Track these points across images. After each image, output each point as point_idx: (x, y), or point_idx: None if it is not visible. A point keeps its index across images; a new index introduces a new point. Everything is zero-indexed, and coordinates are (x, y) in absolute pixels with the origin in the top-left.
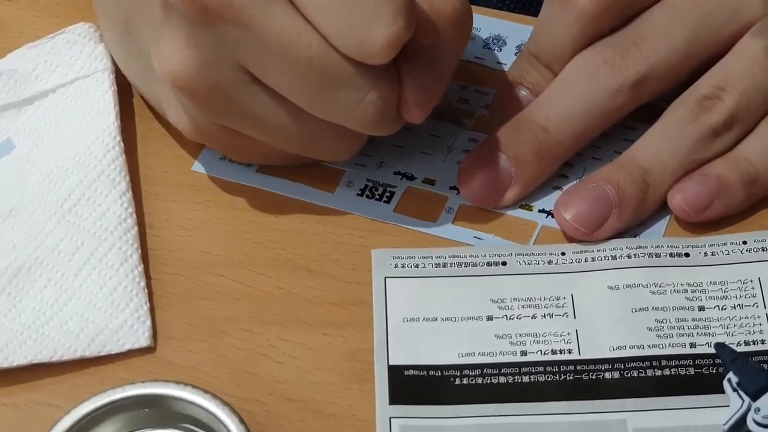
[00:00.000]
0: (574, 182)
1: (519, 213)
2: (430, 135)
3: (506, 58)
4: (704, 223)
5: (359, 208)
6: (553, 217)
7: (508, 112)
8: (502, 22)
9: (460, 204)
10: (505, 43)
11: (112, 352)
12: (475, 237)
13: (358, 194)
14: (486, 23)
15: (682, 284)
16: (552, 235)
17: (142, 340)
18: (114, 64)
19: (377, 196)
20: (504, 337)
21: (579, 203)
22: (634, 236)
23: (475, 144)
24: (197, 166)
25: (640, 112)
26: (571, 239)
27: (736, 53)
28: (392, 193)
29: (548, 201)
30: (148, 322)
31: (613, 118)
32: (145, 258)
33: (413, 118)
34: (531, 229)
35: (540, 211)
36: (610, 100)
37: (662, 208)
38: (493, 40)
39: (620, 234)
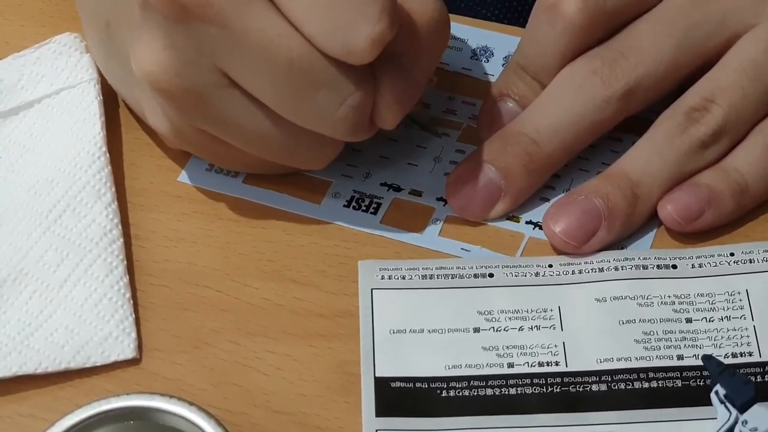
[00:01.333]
0: (562, 194)
1: (506, 224)
2: (416, 146)
3: (493, 69)
4: (693, 233)
5: (346, 220)
6: (540, 228)
7: (494, 124)
8: (490, 33)
9: (447, 215)
10: (492, 54)
11: (98, 364)
12: (462, 249)
13: (344, 205)
14: (473, 34)
15: (669, 296)
16: (539, 247)
17: (128, 351)
18: (100, 73)
19: (364, 208)
20: (491, 349)
21: (568, 216)
22: (621, 248)
23: (463, 155)
24: (183, 177)
25: (628, 124)
26: (559, 251)
27: (724, 64)
28: (379, 205)
29: (535, 213)
30: (134, 334)
31: (602, 129)
32: (130, 269)
33: (385, 123)
34: (518, 241)
35: (527, 222)
36: (598, 112)
37: (650, 220)
38: (480, 51)
39: (608, 246)
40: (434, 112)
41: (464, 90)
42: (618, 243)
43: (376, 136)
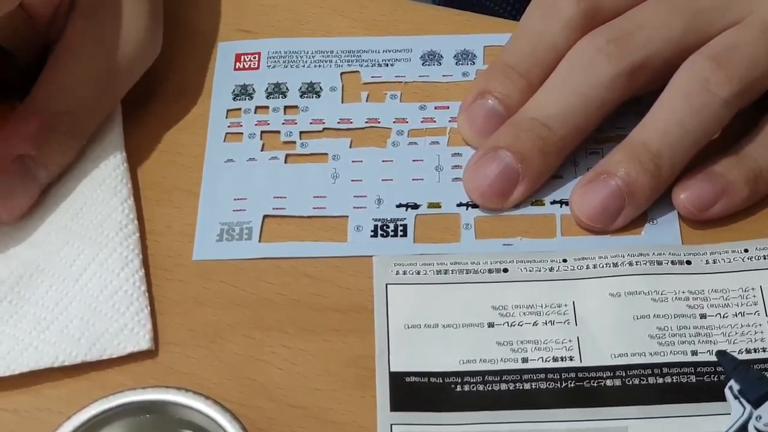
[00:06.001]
0: (574, 170)
1: (533, 210)
2: (413, 161)
3: (448, 69)
4: (709, 221)
5: (379, 249)
6: (567, 205)
7: (475, 121)
8: (469, 37)
9: (475, 217)
10: (441, 56)
11: (113, 356)
12: (504, 244)
13: (371, 236)
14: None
15: (683, 292)
16: (574, 224)
17: (143, 343)
18: None
19: (392, 233)
20: (505, 344)
21: (592, 199)
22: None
23: (460, 158)
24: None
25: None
26: (589, 231)
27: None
28: (405, 226)
29: (556, 192)
30: (149, 325)
31: (612, 107)
32: (145, 264)
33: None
34: (551, 222)
35: (552, 203)
36: (607, 91)
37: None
38: (428, 56)
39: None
40: (412, 124)
41: (434, 96)
42: (648, 242)
43: (371, 160)
